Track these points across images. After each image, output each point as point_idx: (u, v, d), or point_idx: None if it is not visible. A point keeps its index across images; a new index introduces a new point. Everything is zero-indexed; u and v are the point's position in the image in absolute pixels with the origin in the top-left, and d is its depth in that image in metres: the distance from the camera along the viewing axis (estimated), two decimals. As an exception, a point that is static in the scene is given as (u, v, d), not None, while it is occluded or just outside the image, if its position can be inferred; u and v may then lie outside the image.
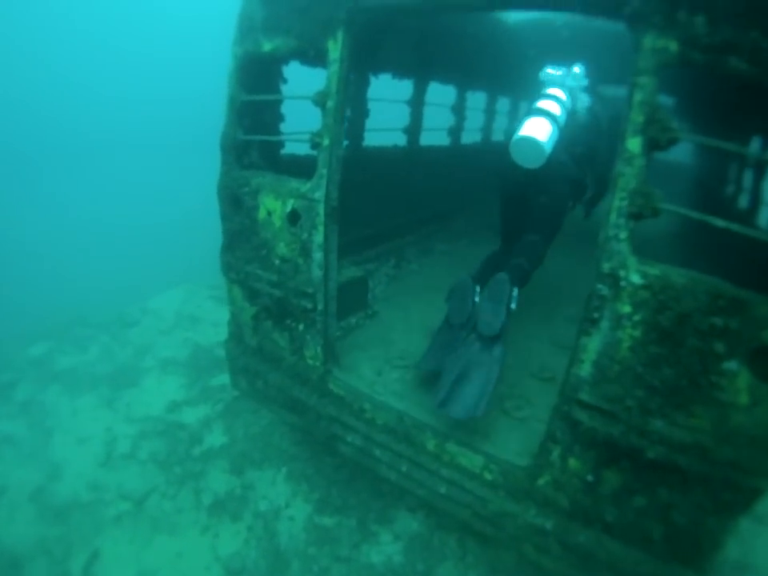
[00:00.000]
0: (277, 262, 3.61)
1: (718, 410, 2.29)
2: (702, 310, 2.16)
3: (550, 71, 3.89)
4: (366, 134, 5.41)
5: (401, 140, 6.28)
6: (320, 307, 3.49)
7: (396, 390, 3.68)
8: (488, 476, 3.09)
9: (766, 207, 4.93)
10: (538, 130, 3.32)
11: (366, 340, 4.31)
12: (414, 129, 6.35)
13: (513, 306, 3.36)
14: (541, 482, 2.90)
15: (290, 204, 3.39)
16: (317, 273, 3.41)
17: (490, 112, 8.84)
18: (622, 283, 2.26)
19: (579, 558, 2.88)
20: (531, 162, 3.38)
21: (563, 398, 2.64)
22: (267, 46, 3.39)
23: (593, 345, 2.44)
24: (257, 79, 3.66)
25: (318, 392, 3.75)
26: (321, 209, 3.25)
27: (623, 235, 2.22)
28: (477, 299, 3.59)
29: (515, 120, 9.90)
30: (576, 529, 2.85)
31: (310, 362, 3.72)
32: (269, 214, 3.52)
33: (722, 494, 2.47)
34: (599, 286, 2.32)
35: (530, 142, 3.32)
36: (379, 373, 3.86)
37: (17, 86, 33.64)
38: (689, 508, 2.56)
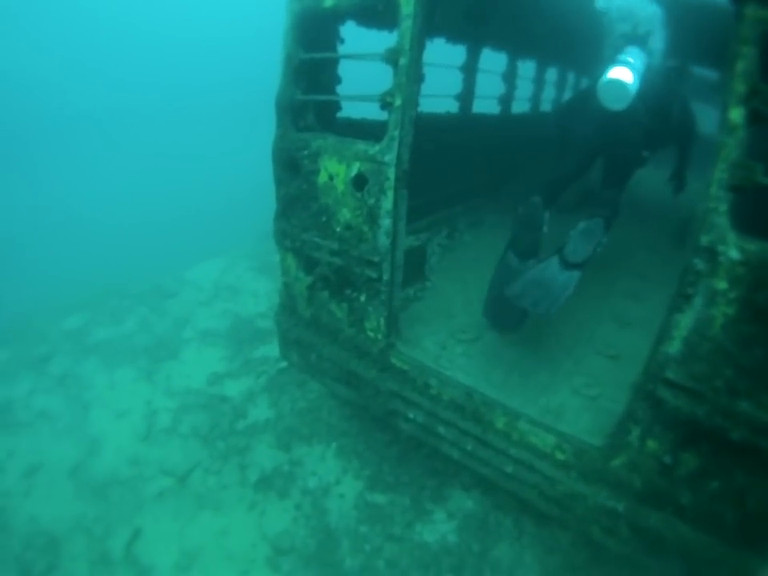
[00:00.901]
0: (339, 229, 3.72)
1: None
2: None
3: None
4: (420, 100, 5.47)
5: (452, 107, 6.31)
6: (386, 277, 3.59)
7: (461, 364, 3.79)
8: (560, 456, 3.21)
9: None
10: (624, 74, 3.65)
11: (426, 313, 4.43)
12: (466, 96, 6.36)
13: (599, 249, 3.74)
14: (616, 462, 3.01)
15: (356, 167, 3.48)
16: (384, 241, 3.51)
17: (539, 81, 8.77)
18: (720, 258, 2.33)
19: (648, 541, 2.99)
20: (617, 104, 3.72)
21: (648, 376, 2.72)
22: (329, 2, 3.45)
23: (685, 321, 2.52)
24: (314, 38, 3.71)
25: (379, 366, 3.87)
26: (391, 172, 3.32)
27: (723, 208, 2.28)
28: (546, 229, 3.89)
29: (563, 91, 9.88)
30: (647, 512, 2.96)
31: (371, 334, 3.85)
32: (331, 178, 3.62)
33: None
34: (696, 260, 2.39)
35: (618, 84, 3.65)
36: (443, 347, 3.98)
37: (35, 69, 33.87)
38: (765, 493, 2.63)
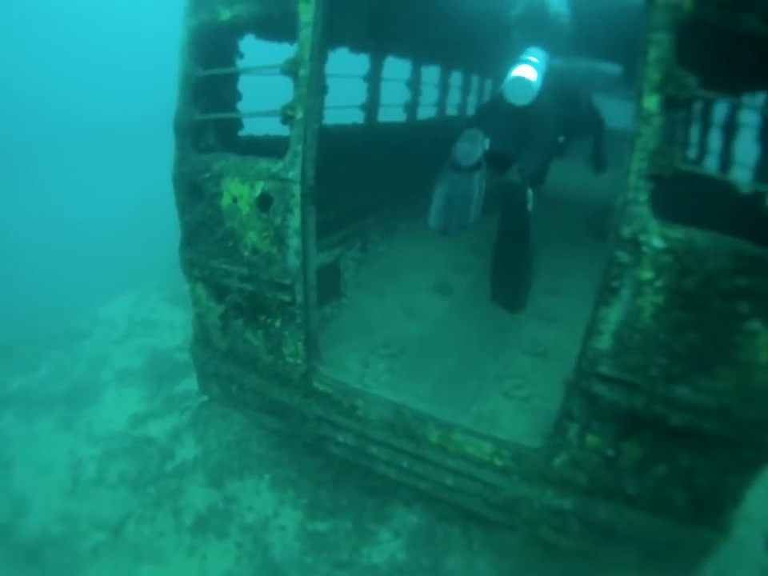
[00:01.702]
0: (246, 253, 3.41)
1: (741, 371, 2.34)
2: (725, 270, 2.17)
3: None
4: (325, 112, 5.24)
5: (358, 118, 6.14)
6: (299, 299, 3.33)
7: (387, 381, 3.59)
8: (499, 462, 3.06)
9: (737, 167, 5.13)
10: (527, 71, 3.77)
11: (346, 330, 4.20)
12: (371, 105, 6.19)
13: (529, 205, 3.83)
14: (557, 462, 2.89)
15: (260, 187, 3.19)
16: (294, 261, 3.24)
17: (444, 86, 8.72)
18: (644, 248, 2.23)
19: (600, 533, 2.90)
20: (522, 99, 3.82)
21: (580, 373, 2.61)
22: (226, 15, 3.17)
23: (613, 315, 2.41)
24: (212, 53, 3.41)
25: (302, 392, 3.60)
26: (296, 189, 3.06)
27: (643, 198, 2.18)
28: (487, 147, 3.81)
29: (468, 95, 9.91)
30: (596, 505, 2.87)
31: (291, 359, 3.56)
32: (234, 200, 3.31)
33: (744, 453, 2.53)
34: (619, 252, 2.28)
35: (522, 81, 3.76)
36: (366, 364, 3.76)
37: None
38: (711, 470, 2.61)
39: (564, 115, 4.24)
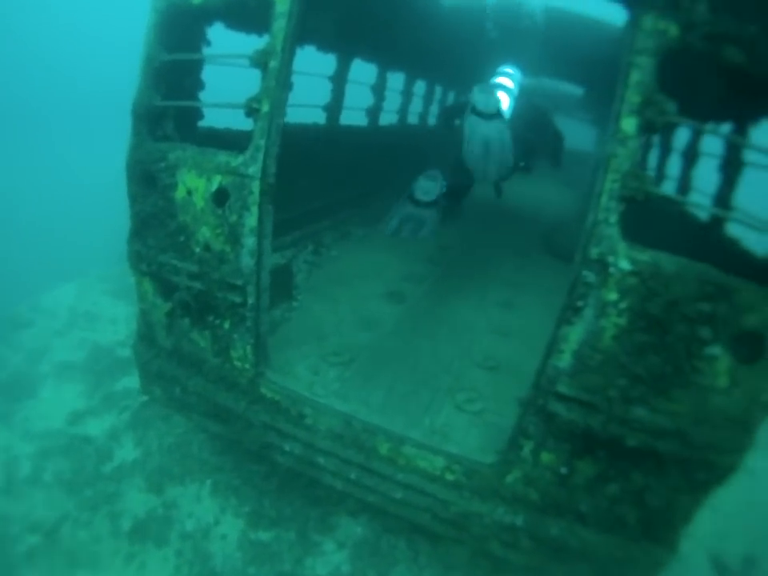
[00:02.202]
0: (198, 249, 3.19)
1: (698, 394, 2.32)
2: (690, 296, 2.14)
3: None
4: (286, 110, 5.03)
5: (320, 118, 5.95)
6: (251, 301, 3.13)
7: (337, 389, 3.43)
8: (450, 477, 2.96)
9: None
10: (495, 93, 3.83)
11: (296, 335, 4.01)
12: (334, 107, 6.01)
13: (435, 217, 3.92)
14: (510, 478, 2.81)
15: (217, 181, 2.98)
16: (248, 262, 3.04)
17: (407, 94, 8.57)
18: (611, 269, 2.17)
19: (551, 549, 2.84)
20: (488, 108, 3.73)
21: (538, 391, 2.54)
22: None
23: (574, 334, 2.34)
24: (179, 38, 3.19)
25: (248, 397, 3.40)
26: (256, 186, 2.87)
27: (613, 219, 2.12)
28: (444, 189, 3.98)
29: (431, 104, 9.82)
30: (548, 522, 2.80)
31: (238, 363, 3.36)
32: (189, 193, 3.08)
33: (697, 474, 2.53)
34: (585, 272, 2.21)
35: (490, 97, 3.74)
36: (316, 372, 3.59)
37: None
38: (663, 490, 2.60)
39: (531, 139, 4.24)
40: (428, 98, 9.75)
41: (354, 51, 5.95)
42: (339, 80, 5.92)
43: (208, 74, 3.64)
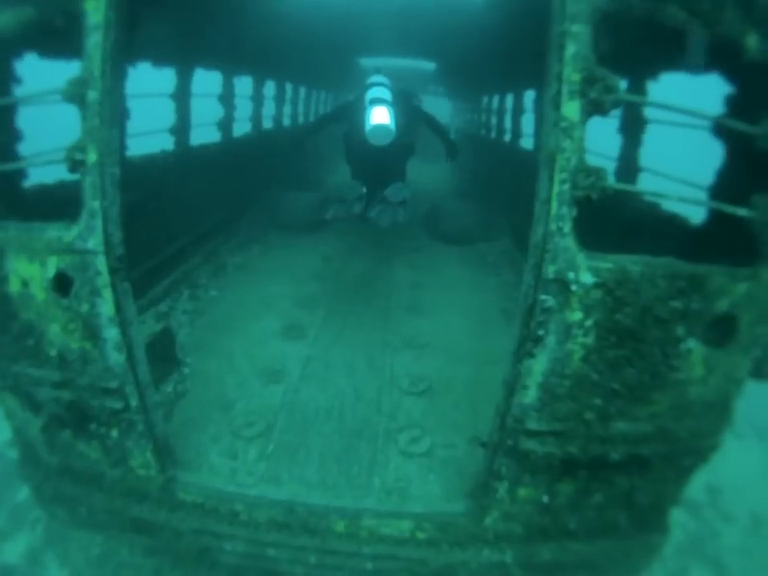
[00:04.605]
0: (53, 352, 2.27)
1: (676, 390, 1.94)
2: (662, 296, 1.68)
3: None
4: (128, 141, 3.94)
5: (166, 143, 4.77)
6: (134, 403, 2.29)
7: (264, 472, 2.65)
8: (422, 535, 2.37)
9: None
10: (383, 116, 3.86)
11: (197, 411, 3.10)
12: (181, 127, 4.83)
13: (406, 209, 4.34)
14: (488, 520, 2.29)
15: (53, 265, 2.07)
16: (116, 358, 2.19)
17: (258, 98, 7.21)
18: (573, 287, 1.62)
19: (547, 571, 2.41)
20: (384, 141, 3.89)
21: (505, 433, 1.99)
22: None
23: (538, 366, 1.81)
24: None
25: (166, 506, 2.57)
26: (101, 264, 2.01)
27: (567, 228, 1.56)
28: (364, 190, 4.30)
29: (283, 104, 8.45)
30: (538, 549, 2.35)
31: (142, 472, 2.52)
32: (24, 284, 2.15)
33: (682, 462, 2.25)
34: (543, 297, 1.64)
35: (383, 127, 3.82)
36: (233, 455, 2.77)
37: None
38: (650, 486, 2.28)
39: (408, 140, 4.40)
40: (280, 99, 8.42)
41: (196, 61, 4.83)
42: (183, 96, 4.76)
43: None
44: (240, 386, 3.28)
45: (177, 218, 4.71)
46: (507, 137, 7.12)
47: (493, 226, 6.38)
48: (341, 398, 3.16)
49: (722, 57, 1.90)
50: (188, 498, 2.52)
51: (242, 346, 3.67)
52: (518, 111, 6.22)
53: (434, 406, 3.05)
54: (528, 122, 5.84)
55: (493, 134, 8.19)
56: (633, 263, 1.61)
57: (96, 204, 1.94)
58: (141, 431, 2.38)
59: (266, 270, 5.12)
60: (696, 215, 2.69)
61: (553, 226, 1.55)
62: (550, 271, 1.59)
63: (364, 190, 4.21)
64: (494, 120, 8.04)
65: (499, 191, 6.99)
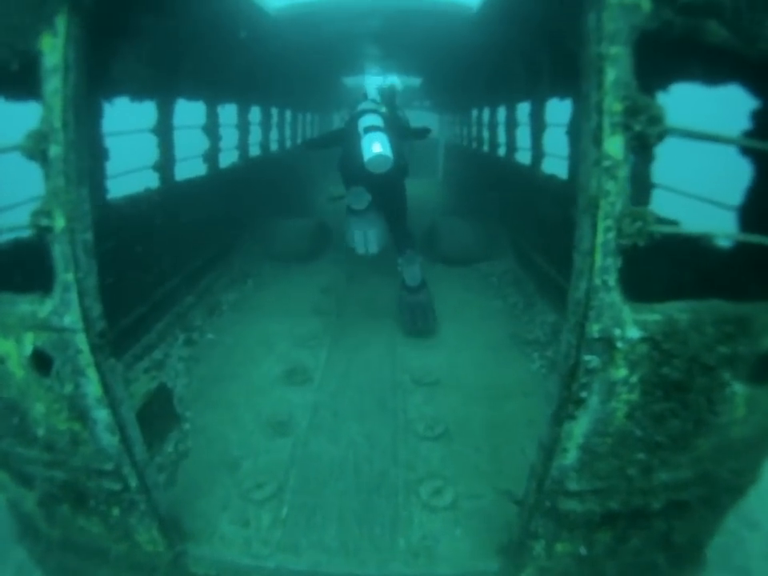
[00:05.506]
0: (41, 432, 2.00)
1: (719, 434, 1.76)
2: (709, 344, 1.50)
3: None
4: (107, 183, 3.60)
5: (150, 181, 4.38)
6: (134, 484, 2.05)
7: (280, 539, 2.39)
8: (456, 597, 2.15)
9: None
10: (383, 146, 3.91)
11: (202, 473, 2.82)
12: (165, 163, 4.47)
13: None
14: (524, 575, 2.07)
15: (29, 342, 1.81)
16: (109, 440, 1.94)
17: (243, 126, 6.78)
18: (618, 344, 1.43)
19: None
20: (382, 169, 3.95)
21: (543, 494, 1.80)
22: None
23: (579, 428, 1.61)
24: None
25: None
26: (81, 342, 1.75)
27: (612, 281, 1.36)
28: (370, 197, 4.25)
29: (269, 129, 7.89)
30: None
31: (149, 548, 2.27)
32: (2, 361, 1.88)
33: (721, 500, 2.10)
34: (587, 357, 1.45)
35: (381, 157, 3.88)
36: (245, 523, 2.50)
37: None
38: (689, 526, 2.11)
39: (403, 163, 4.39)
40: (266, 124, 7.88)
41: (177, 92, 4.48)
42: (165, 129, 4.41)
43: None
44: (245, 441, 3.00)
45: (167, 258, 4.41)
46: (501, 150, 6.85)
47: (493, 244, 6.15)
48: (354, 448, 2.90)
49: (758, 72, 1.75)
50: (200, 571, 2.28)
51: (243, 395, 3.40)
52: (511, 124, 6.03)
53: (452, 451, 2.81)
54: (523, 135, 5.62)
55: (485, 148, 7.99)
56: (680, 311, 1.43)
57: (69, 276, 1.68)
58: (143, 510, 2.13)
59: (263, 306, 4.84)
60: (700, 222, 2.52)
61: (597, 281, 1.35)
62: (595, 330, 1.39)
63: (370, 197, 4.19)
64: (485, 133, 7.84)
65: (496, 206, 6.78)
